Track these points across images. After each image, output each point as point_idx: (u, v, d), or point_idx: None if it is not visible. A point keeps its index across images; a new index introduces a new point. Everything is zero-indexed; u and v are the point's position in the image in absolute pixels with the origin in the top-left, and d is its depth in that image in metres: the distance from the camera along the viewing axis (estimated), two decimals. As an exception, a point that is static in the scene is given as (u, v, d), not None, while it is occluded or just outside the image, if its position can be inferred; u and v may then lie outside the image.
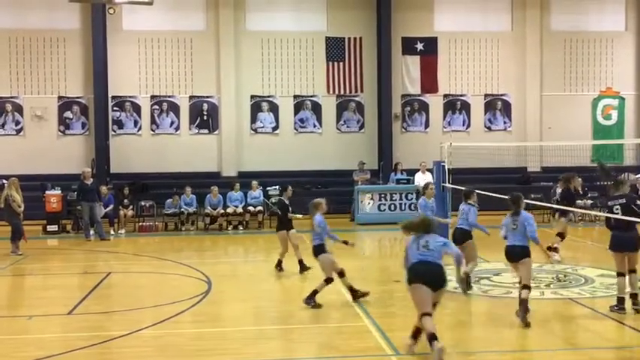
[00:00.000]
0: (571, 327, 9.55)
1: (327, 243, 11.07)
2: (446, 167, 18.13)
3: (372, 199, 21.42)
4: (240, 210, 20.76)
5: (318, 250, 10.91)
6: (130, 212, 20.80)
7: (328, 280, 10.75)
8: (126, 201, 20.93)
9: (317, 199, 11.66)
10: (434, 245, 7.94)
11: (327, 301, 10.88)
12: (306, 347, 8.74)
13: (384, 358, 8.07)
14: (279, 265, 13.71)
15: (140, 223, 20.77)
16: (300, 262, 13.39)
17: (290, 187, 14.71)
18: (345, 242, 11.45)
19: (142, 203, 21.23)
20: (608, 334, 9.13)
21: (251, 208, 20.94)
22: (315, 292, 10.55)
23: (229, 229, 20.59)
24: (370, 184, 22.48)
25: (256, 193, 21.29)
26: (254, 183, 21.43)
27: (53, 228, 20.03)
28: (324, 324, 9.84)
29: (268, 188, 21.96)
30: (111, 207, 20.31)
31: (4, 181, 17.62)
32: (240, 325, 9.86)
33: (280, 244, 13.82)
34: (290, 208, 14.06)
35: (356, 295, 10.88)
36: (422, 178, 20.68)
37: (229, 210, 20.72)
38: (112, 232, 19.79)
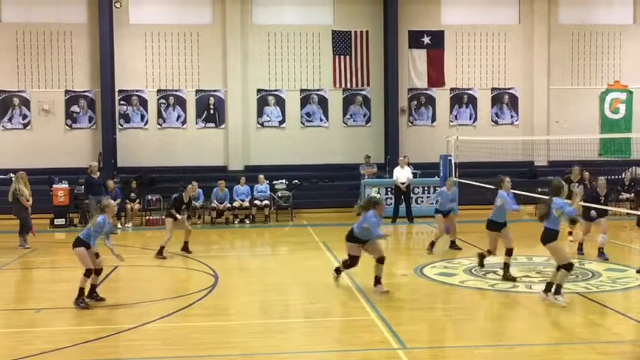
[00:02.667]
0: (578, 321, 9.53)
1: None
2: (452, 161, 18.12)
3: (378, 192, 21.39)
4: (246, 204, 20.78)
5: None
6: (136, 206, 20.85)
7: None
8: (133, 195, 20.98)
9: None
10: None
11: (334, 296, 10.89)
12: (313, 341, 8.75)
13: (390, 351, 8.07)
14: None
15: (147, 217, 20.83)
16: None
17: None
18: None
19: (149, 197, 21.29)
20: (614, 329, 9.11)
21: (257, 202, 20.96)
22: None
23: (236, 222, 20.62)
24: (377, 178, 22.47)
25: (263, 186, 21.30)
26: (260, 177, 21.45)
27: (60, 221, 20.12)
28: (330, 317, 9.85)
29: (275, 182, 22.01)
30: (118, 201, 20.31)
31: (12, 175, 17.68)
32: (247, 318, 9.87)
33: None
34: None
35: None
36: (402, 174, 20.43)
37: (236, 204, 20.74)
38: (118, 225, 19.84)
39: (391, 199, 21.22)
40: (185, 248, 15.15)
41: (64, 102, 23.84)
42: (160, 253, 14.53)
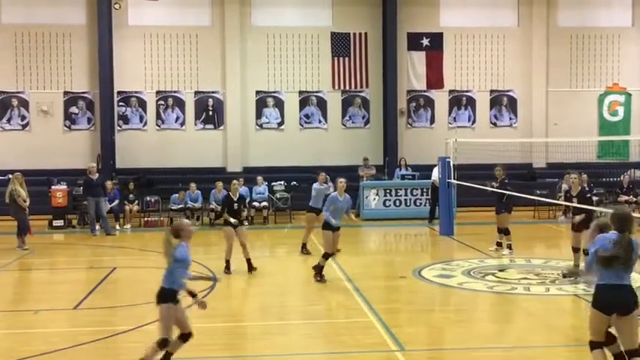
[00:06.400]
0: (576, 323, 9.53)
1: None
2: (451, 163, 18.14)
3: (377, 194, 21.42)
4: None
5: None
6: (135, 207, 20.84)
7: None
8: (131, 196, 20.97)
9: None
10: None
11: (333, 298, 10.89)
12: (312, 343, 8.75)
13: (388, 353, 8.07)
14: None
15: (145, 218, 20.83)
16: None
17: None
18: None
19: (148, 198, 21.28)
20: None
21: (256, 204, 20.96)
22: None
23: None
24: (375, 180, 22.48)
25: (261, 188, 21.30)
26: (259, 178, 21.45)
27: (59, 223, 20.10)
28: (329, 320, 9.85)
29: (273, 184, 22.01)
30: (116, 202, 20.36)
31: (10, 176, 17.67)
32: (246, 320, 9.88)
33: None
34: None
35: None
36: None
37: (235, 206, 20.66)
38: (117, 227, 19.82)
39: (390, 200, 21.24)
40: (249, 266, 13.15)
41: (63, 103, 23.82)
42: (227, 268, 13.10)
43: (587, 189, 12.81)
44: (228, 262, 13.08)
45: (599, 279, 6.58)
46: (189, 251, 7.24)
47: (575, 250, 12.25)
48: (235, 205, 13.38)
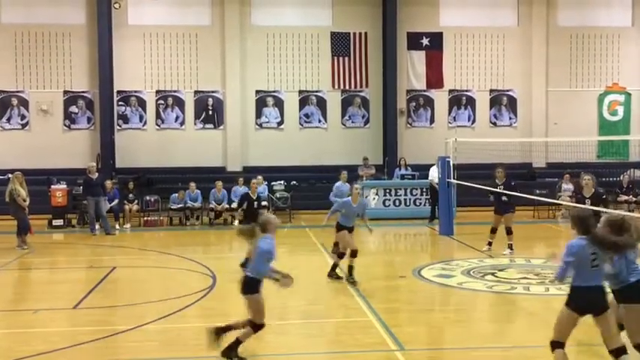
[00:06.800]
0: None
1: None
2: (451, 163, 18.13)
3: (377, 194, 21.41)
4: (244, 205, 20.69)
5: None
6: (135, 207, 20.83)
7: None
8: (131, 196, 20.96)
9: None
10: None
11: (333, 297, 10.89)
12: (311, 342, 8.75)
13: (388, 353, 8.07)
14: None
15: (145, 218, 20.83)
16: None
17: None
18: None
19: (147, 198, 21.28)
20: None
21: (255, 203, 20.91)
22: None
23: (234, 223, 20.59)
24: (375, 180, 22.47)
25: (261, 188, 21.26)
26: (259, 178, 21.42)
27: (59, 222, 20.10)
28: (329, 319, 9.85)
29: (273, 183, 22.01)
30: (116, 201, 20.35)
31: (10, 175, 17.67)
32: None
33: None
34: None
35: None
36: (437, 174, 20.14)
37: (234, 205, 20.69)
38: (117, 226, 19.81)
39: (389, 200, 21.24)
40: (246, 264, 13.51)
41: (63, 102, 23.82)
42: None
43: (601, 191, 12.82)
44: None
45: (576, 280, 6.66)
46: (274, 244, 7.74)
47: None
48: (255, 203, 13.38)
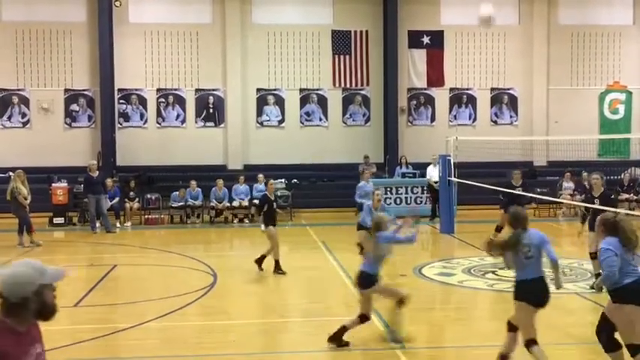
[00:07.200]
0: (576, 321, 9.54)
1: None
2: (452, 161, 18.12)
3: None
4: (245, 203, 20.76)
5: None
6: (135, 205, 20.84)
7: None
8: (132, 194, 20.97)
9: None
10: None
11: (333, 295, 10.89)
12: (312, 340, 8.75)
13: (389, 351, 8.07)
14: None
15: (146, 216, 20.83)
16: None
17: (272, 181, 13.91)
18: None
19: (148, 196, 21.27)
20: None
21: (256, 202, 20.92)
22: None
23: (235, 222, 20.62)
24: (376, 178, 22.44)
25: (262, 186, 21.27)
26: (260, 176, 21.42)
27: (59, 220, 20.10)
28: (329, 317, 9.84)
29: (274, 181, 21.96)
30: (117, 199, 20.36)
31: (11, 173, 17.68)
32: (246, 318, 9.88)
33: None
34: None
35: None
36: (435, 173, 20.10)
37: (235, 203, 20.73)
38: (117, 224, 19.81)
39: (390, 198, 21.22)
40: (277, 267, 12.66)
41: (64, 101, 23.82)
42: (278, 269, 12.61)
43: (610, 190, 12.79)
44: (277, 262, 12.60)
45: (524, 274, 6.75)
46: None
47: (595, 256, 12.12)
48: (274, 204, 13.18)
